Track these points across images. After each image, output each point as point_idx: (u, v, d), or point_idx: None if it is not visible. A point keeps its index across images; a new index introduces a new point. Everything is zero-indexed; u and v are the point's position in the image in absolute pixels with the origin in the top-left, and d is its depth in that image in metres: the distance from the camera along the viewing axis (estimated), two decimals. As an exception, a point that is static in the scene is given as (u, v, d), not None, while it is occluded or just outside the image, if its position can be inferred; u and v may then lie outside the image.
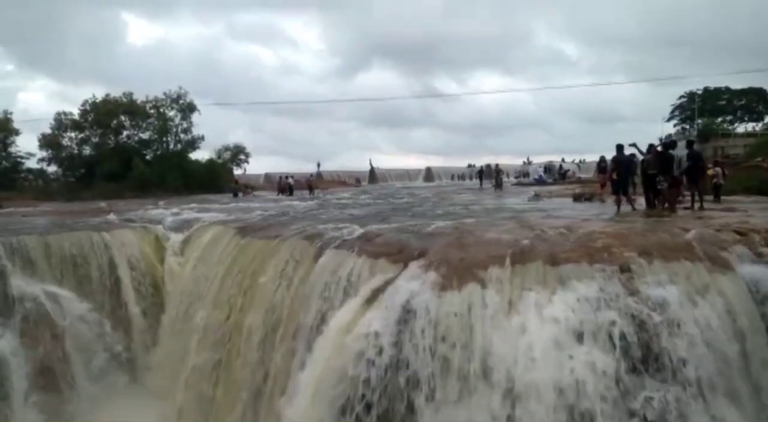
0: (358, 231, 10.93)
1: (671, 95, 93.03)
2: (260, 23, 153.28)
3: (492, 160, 65.38)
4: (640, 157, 14.08)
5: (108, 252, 14.09)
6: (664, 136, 45.22)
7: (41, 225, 16.52)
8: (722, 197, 16.19)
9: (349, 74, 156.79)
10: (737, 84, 54.81)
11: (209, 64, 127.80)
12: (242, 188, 40.03)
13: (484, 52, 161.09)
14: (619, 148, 13.71)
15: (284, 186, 38.63)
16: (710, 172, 14.51)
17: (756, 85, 53.46)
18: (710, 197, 15.35)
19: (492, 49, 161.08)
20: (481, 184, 37.75)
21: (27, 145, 48.93)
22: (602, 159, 22.66)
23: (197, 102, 44.80)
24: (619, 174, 13.62)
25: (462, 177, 67.36)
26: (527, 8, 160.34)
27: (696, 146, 15.35)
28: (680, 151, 13.33)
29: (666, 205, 12.94)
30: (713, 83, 55.20)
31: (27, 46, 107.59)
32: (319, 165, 61.89)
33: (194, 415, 10.94)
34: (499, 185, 33.20)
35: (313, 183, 41.71)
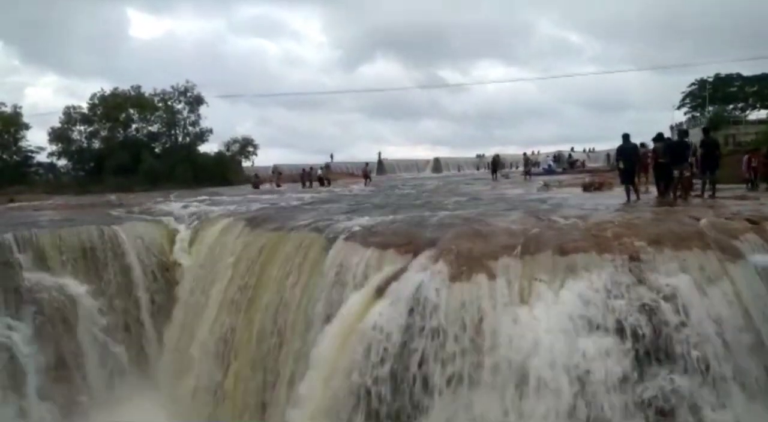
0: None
1: (681, 83, 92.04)
2: (261, 16, 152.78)
3: (500, 149, 64.75)
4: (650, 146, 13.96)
5: (119, 245, 14.17)
6: (674, 124, 44.92)
7: (52, 219, 16.63)
8: (724, 186, 16.04)
9: (352, 66, 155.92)
10: (749, 71, 54.08)
11: (213, 57, 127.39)
12: (275, 178, 39.46)
13: (487, 42, 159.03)
14: (625, 137, 13.62)
15: (316, 177, 36.71)
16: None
17: (768, 71, 52.69)
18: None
19: (494, 40, 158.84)
20: (493, 176, 34.90)
21: (37, 139, 49.25)
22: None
23: (203, 95, 44.95)
24: (625, 163, 13.55)
25: (478, 167, 66.45)
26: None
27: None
28: (694, 138, 13.24)
29: (679, 193, 12.85)
30: (723, 70, 54.51)
31: (31, 42, 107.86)
32: (332, 157, 61.70)
33: (203, 407, 11.03)
34: (528, 173, 33.69)
35: (368, 173, 38.96)
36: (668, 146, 13.17)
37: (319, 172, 38.12)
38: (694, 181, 13.78)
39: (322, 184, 35.61)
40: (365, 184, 35.11)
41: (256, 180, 37.12)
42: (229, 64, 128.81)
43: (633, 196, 13.44)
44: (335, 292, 8.80)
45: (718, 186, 13.89)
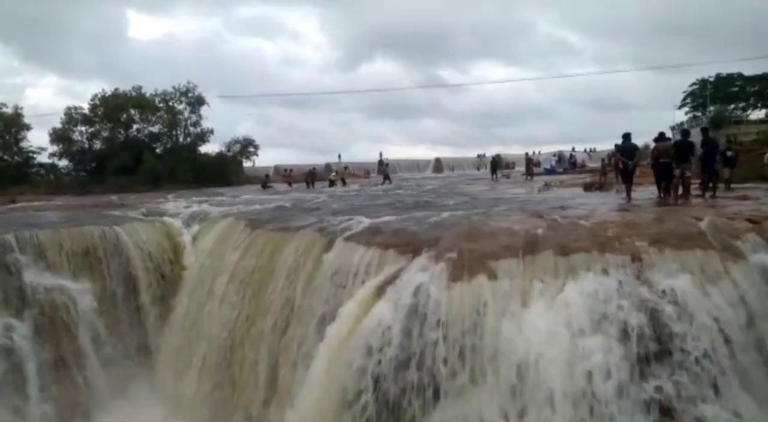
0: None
1: (681, 82, 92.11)
2: (259, 15, 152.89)
3: (501, 149, 64.66)
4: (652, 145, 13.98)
5: (121, 245, 14.16)
6: (676, 124, 44.86)
7: (54, 219, 16.62)
8: (733, 185, 16.08)
9: (351, 66, 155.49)
10: (750, 70, 54.03)
11: (212, 57, 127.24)
12: (286, 178, 39.58)
13: (487, 42, 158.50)
14: (626, 136, 13.67)
15: (328, 179, 37.16)
16: None
17: (769, 70, 52.56)
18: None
19: (494, 39, 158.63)
20: (492, 176, 34.34)
21: (38, 139, 49.22)
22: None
23: (204, 95, 44.87)
24: (624, 163, 13.59)
25: (479, 167, 66.05)
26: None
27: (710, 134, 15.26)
28: (693, 138, 13.29)
29: (680, 193, 12.84)
30: (724, 69, 54.45)
31: (31, 42, 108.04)
32: (339, 157, 61.68)
33: (204, 407, 11.03)
34: (530, 174, 32.98)
35: (386, 172, 38.89)
36: (675, 145, 13.18)
37: (332, 176, 38.17)
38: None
39: (331, 185, 35.59)
40: (387, 183, 34.93)
41: (265, 179, 37.06)
42: (229, 64, 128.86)
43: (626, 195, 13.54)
44: (335, 292, 8.80)
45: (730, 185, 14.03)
